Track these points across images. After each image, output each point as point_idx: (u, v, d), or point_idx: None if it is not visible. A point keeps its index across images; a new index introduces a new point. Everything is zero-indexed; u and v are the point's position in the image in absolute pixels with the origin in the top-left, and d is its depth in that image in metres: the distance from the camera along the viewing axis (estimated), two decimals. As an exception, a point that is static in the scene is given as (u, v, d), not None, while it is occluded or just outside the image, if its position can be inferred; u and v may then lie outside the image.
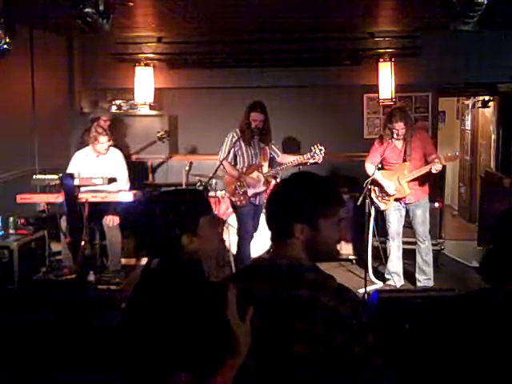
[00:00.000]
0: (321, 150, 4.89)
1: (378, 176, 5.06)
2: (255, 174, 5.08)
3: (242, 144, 5.03)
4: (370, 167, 5.11)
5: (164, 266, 1.73)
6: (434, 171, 4.80)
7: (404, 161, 4.99)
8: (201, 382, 1.49)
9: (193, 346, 1.52)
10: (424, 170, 4.89)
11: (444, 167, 6.74)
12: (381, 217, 5.61)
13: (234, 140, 4.98)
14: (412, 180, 4.98)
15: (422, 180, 4.98)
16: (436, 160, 4.77)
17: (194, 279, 1.67)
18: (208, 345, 1.52)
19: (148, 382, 1.56)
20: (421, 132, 5.25)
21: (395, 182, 5.00)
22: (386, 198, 5.08)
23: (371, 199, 5.09)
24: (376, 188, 5.14)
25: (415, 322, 3.79)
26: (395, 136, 4.91)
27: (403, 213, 5.16)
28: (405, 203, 5.10)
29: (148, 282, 1.74)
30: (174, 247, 1.71)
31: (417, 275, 5.18)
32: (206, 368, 1.49)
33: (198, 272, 1.72)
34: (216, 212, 5.95)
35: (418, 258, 5.16)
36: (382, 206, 5.13)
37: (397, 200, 5.09)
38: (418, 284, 5.16)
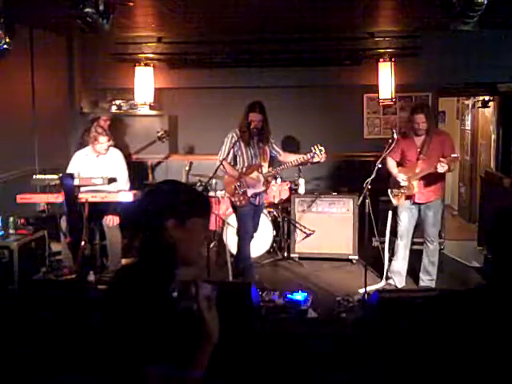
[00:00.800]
0: (321, 150, 4.89)
1: (392, 165, 5.10)
2: (255, 175, 5.08)
3: (242, 144, 5.03)
4: (388, 159, 5.11)
5: (141, 261, 1.74)
6: (439, 170, 4.73)
7: (418, 159, 4.99)
8: (178, 370, 1.55)
9: (166, 338, 1.55)
10: (428, 171, 4.87)
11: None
12: (382, 216, 5.63)
13: (233, 140, 4.97)
14: (422, 180, 4.96)
15: (431, 181, 4.94)
16: (441, 159, 4.74)
17: (164, 275, 1.68)
18: (182, 335, 1.58)
19: (124, 377, 1.58)
20: (444, 135, 5.18)
21: (407, 178, 5.01)
22: (398, 192, 5.05)
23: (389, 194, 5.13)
24: (392, 184, 5.13)
25: (415, 322, 3.79)
26: (416, 129, 4.91)
27: (415, 213, 5.13)
28: (414, 202, 5.06)
29: (124, 275, 1.76)
30: (156, 226, 1.70)
31: (421, 275, 5.18)
32: (182, 357, 1.57)
33: (170, 267, 1.72)
34: (216, 212, 5.96)
35: (425, 259, 5.15)
36: (394, 202, 5.12)
37: (408, 198, 5.07)
38: (421, 283, 5.16)
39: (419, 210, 5.11)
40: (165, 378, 1.54)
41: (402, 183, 4.98)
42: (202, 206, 1.81)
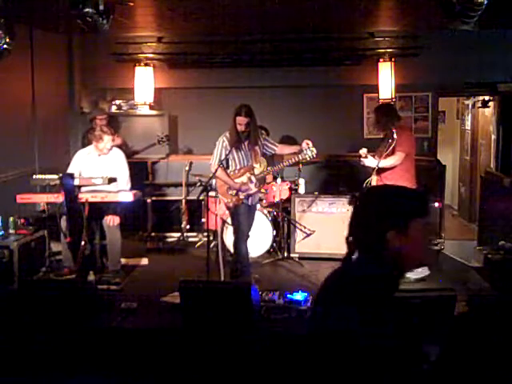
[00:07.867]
0: (312, 150, 4.87)
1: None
2: (246, 176, 5.07)
3: (233, 148, 5.02)
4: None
5: (363, 263, 1.66)
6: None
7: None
8: None
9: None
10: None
11: (444, 167, 6.80)
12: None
13: (224, 144, 4.96)
14: (378, 173, 5.16)
15: (385, 174, 5.14)
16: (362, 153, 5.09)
17: (385, 285, 1.61)
18: None
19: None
20: (400, 133, 5.29)
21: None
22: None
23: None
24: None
25: (415, 322, 3.79)
26: None
27: None
28: None
29: (345, 275, 1.70)
30: (378, 240, 1.61)
31: None
32: None
33: (393, 279, 1.64)
34: (216, 212, 5.96)
35: None
36: None
37: None
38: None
39: None
40: None
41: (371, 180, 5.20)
42: (419, 205, 1.64)
